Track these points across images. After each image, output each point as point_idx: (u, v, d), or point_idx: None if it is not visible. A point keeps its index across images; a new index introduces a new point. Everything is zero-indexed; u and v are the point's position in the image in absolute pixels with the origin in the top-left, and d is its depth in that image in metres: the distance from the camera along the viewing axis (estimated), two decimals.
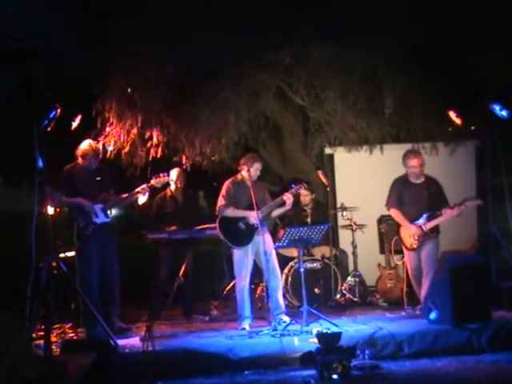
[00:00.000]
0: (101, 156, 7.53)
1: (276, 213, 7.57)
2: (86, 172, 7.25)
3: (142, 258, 9.93)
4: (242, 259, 7.34)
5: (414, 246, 7.57)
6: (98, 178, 7.28)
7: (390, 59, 8.87)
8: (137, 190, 7.30)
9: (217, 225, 7.37)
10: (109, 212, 7.26)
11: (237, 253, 7.37)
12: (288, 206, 7.41)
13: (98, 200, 7.17)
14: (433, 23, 8.31)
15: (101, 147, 7.91)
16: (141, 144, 9.35)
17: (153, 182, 7.35)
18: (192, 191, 9.23)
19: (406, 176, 7.69)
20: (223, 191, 7.42)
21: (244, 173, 7.39)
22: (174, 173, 8.45)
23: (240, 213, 7.33)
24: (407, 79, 8.88)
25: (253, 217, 7.23)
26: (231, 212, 7.35)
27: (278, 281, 7.43)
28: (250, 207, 7.25)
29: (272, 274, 7.33)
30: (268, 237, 7.43)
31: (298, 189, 7.46)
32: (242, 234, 7.32)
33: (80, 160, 7.26)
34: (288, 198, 7.31)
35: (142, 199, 7.41)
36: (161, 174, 7.38)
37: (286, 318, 7.23)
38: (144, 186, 7.32)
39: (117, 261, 7.30)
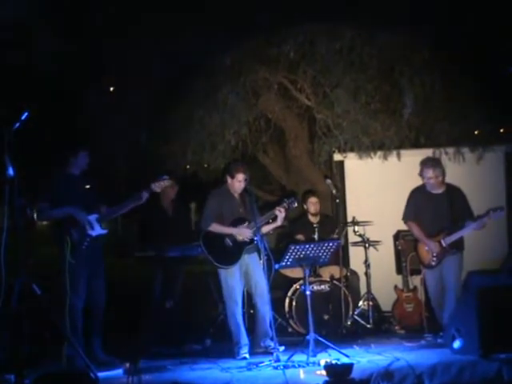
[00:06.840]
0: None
1: (265, 229, 7.64)
2: (74, 179, 7.19)
3: (121, 278, 9.89)
4: (231, 280, 7.39)
5: (432, 264, 7.61)
6: (88, 186, 7.26)
7: (408, 53, 8.92)
8: (135, 195, 7.19)
9: (200, 241, 7.44)
10: (103, 224, 7.24)
11: (223, 274, 7.42)
12: (279, 222, 7.50)
13: (91, 210, 7.12)
14: (457, 13, 8.38)
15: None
16: None
17: (152, 186, 7.35)
18: (182, 204, 9.24)
19: (425, 185, 7.74)
20: (206, 204, 7.53)
21: (228, 183, 7.50)
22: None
23: (226, 230, 7.41)
24: (428, 76, 8.92)
25: (242, 234, 7.35)
26: (217, 227, 7.41)
27: (268, 307, 7.41)
28: (236, 222, 7.40)
29: (262, 298, 7.39)
30: (256, 256, 7.50)
31: (290, 203, 7.54)
32: (228, 252, 7.40)
33: (73, 162, 7.18)
34: (280, 211, 7.40)
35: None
36: (160, 178, 7.36)
37: (271, 343, 7.23)
38: (143, 192, 7.23)
39: (104, 282, 7.28)
